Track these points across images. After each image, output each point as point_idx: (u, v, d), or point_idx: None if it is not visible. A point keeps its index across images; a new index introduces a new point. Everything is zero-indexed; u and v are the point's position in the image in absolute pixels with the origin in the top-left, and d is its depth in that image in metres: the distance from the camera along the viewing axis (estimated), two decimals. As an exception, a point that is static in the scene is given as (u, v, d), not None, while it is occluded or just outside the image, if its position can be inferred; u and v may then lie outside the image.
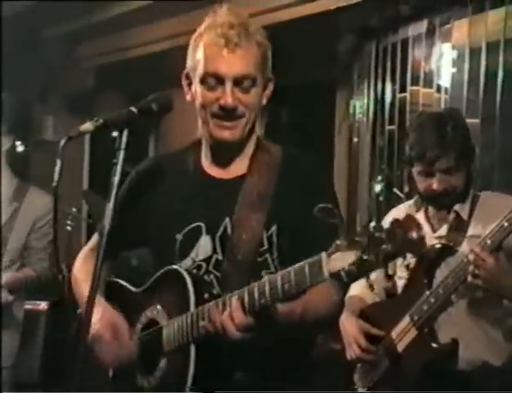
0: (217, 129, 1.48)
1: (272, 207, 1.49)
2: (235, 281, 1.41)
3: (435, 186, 2.05)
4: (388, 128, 3.44)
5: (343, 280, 1.17)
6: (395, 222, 1.13)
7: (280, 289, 1.26)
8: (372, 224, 1.15)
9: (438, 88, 3.15)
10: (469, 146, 2.13)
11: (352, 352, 2.20)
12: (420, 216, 2.22)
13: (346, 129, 3.95)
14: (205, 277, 1.50)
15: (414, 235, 1.11)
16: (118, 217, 1.61)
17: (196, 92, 1.50)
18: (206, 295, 1.42)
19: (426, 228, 2.18)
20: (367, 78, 3.58)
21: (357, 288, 2.39)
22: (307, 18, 3.42)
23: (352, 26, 3.54)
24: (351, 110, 3.85)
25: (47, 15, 4.38)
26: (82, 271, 1.67)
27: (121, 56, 4.51)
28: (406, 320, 2.11)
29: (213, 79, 1.46)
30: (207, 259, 1.51)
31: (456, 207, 2.12)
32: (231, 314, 1.29)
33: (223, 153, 1.55)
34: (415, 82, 3.25)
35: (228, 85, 1.45)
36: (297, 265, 1.25)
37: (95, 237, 1.72)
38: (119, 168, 1.36)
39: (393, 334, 2.14)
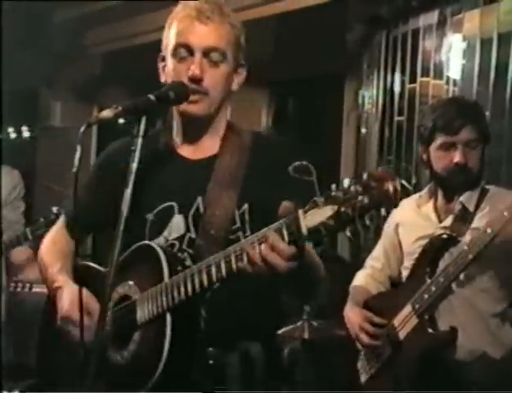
0: (184, 103, 1.50)
1: (244, 186, 1.51)
2: (207, 256, 1.39)
3: (457, 157, 2.08)
4: (396, 119, 3.42)
5: (321, 234, 1.17)
6: (370, 175, 1.14)
7: (258, 248, 1.27)
8: (347, 179, 1.16)
9: (448, 80, 3.13)
10: (487, 126, 2.20)
11: (361, 340, 2.23)
12: (429, 207, 2.25)
13: (354, 120, 3.93)
14: (179, 254, 1.50)
15: (389, 187, 1.12)
16: (86, 199, 1.63)
17: (169, 68, 1.53)
18: (179, 268, 1.42)
19: (433, 218, 2.23)
20: (377, 68, 3.55)
21: (361, 278, 2.44)
22: (316, 7, 3.40)
23: (363, 16, 3.52)
24: (360, 101, 3.83)
25: (55, 1, 4.37)
26: (49, 252, 1.68)
27: (129, 43, 4.51)
28: (407, 308, 2.14)
29: (183, 50, 1.49)
30: (180, 238, 1.51)
31: (463, 199, 2.15)
32: (272, 247, 1.25)
33: (192, 130, 1.56)
34: (425, 73, 3.23)
35: (197, 56, 1.48)
36: (273, 225, 1.25)
37: (61, 220, 1.73)
38: (137, 154, 1.37)
39: (395, 322, 2.17)
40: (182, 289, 1.38)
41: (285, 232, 1.23)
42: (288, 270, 1.26)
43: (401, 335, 2.14)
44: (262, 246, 1.26)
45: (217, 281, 1.34)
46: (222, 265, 1.32)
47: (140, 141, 1.38)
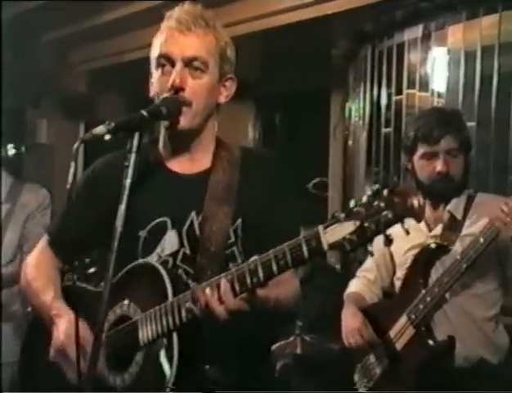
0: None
1: (236, 201, 1.52)
2: (209, 273, 1.42)
3: (439, 167, 2.13)
4: (384, 130, 3.46)
5: (345, 249, 1.19)
6: (391, 191, 1.17)
7: (275, 266, 1.27)
8: (366, 197, 1.18)
9: (434, 92, 3.17)
10: (467, 135, 2.24)
11: (351, 342, 2.24)
12: None
13: (341, 133, 3.97)
14: (173, 270, 1.50)
15: (413, 202, 1.15)
16: (73, 217, 1.60)
17: (154, 81, 1.54)
18: (183, 287, 1.43)
19: (422, 227, 2.25)
20: (363, 81, 3.60)
21: (356, 286, 2.45)
22: (302, 23, 3.44)
23: (348, 31, 3.57)
24: (346, 114, 3.87)
25: (42, 20, 4.37)
26: (38, 277, 1.62)
27: (115, 61, 4.51)
28: (403, 319, 2.15)
29: (165, 61, 1.50)
30: (174, 254, 1.51)
31: (450, 207, 2.18)
32: (220, 297, 1.30)
33: (180, 144, 1.56)
34: (411, 85, 3.27)
35: (178, 65, 1.48)
36: (291, 241, 1.26)
37: (43, 240, 1.68)
38: (130, 171, 1.36)
39: (391, 333, 2.18)
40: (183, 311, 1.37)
41: (304, 248, 1.24)
42: (230, 317, 1.30)
43: (398, 346, 2.16)
44: (211, 292, 1.31)
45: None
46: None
47: (133, 156, 1.37)
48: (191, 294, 1.35)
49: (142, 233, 1.52)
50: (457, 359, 2.10)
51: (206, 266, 1.47)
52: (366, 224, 1.16)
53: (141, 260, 1.50)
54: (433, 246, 2.20)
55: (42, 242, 1.68)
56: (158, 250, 1.52)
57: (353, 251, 1.20)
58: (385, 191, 1.17)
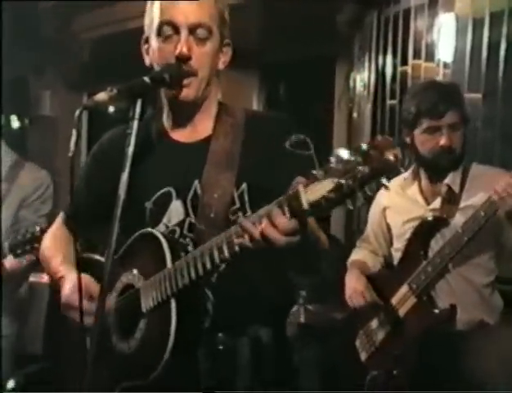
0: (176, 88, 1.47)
1: (240, 166, 1.49)
2: (209, 239, 1.38)
3: (443, 140, 2.16)
4: (389, 102, 3.39)
5: (323, 207, 1.15)
6: (370, 144, 1.12)
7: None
8: (345, 150, 1.13)
9: (440, 62, 3.10)
10: (465, 108, 2.28)
11: (354, 302, 2.33)
12: (414, 189, 2.33)
13: (346, 104, 3.90)
14: (181, 240, 1.49)
15: (390, 156, 1.10)
16: (85, 191, 1.62)
17: (154, 49, 1.50)
18: (182, 254, 1.41)
19: (420, 200, 2.31)
20: (368, 50, 3.51)
21: (359, 253, 2.53)
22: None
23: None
24: (351, 84, 3.79)
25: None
26: (51, 247, 1.69)
27: (120, 28, 4.44)
28: (404, 288, 2.22)
29: (168, 28, 1.46)
30: (180, 224, 1.51)
31: (448, 180, 2.24)
32: (272, 222, 1.24)
33: (183, 113, 1.54)
34: (416, 55, 3.20)
35: (183, 33, 1.45)
36: (274, 201, 1.24)
37: (61, 215, 1.73)
38: (133, 138, 1.36)
39: (393, 301, 2.25)
40: (186, 274, 1.36)
41: (285, 208, 1.21)
42: (287, 244, 1.24)
43: (401, 313, 2.22)
44: (263, 221, 1.24)
45: (221, 263, 1.33)
46: (224, 246, 1.30)
47: (136, 123, 1.36)
48: (238, 232, 1.30)
49: (148, 204, 1.53)
50: (459, 324, 2.16)
51: (205, 232, 1.45)
52: (342, 181, 1.11)
53: (144, 230, 1.50)
54: (432, 218, 2.25)
55: (58, 220, 1.73)
56: (165, 220, 1.52)
57: (332, 208, 1.17)
58: (364, 146, 1.11)
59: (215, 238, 1.32)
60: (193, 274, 1.35)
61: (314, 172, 1.16)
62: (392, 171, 1.10)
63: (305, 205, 1.17)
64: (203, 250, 1.34)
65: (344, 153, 1.13)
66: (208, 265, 1.33)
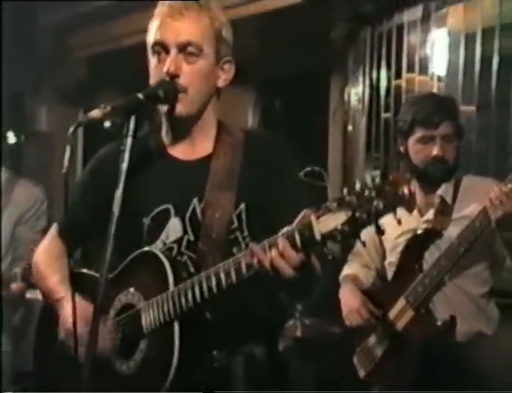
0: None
1: (239, 186, 1.50)
2: (210, 259, 1.41)
3: (436, 151, 2.17)
4: (383, 115, 3.43)
5: (336, 240, 1.17)
6: (383, 179, 1.14)
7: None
8: (359, 184, 1.16)
9: (433, 76, 3.14)
10: (461, 122, 2.29)
11: (352, 321, 2.29)
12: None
13: (341, 117, 3.93)
14: (178, 258, 1.50)
15: (404, 190, 1.13)
16: (79, 206, 1.61)
17: (151, 67, 1.52)
18: (184, 275, 1.42)
19: (413, 212, 2.30)
20: (362, 64, 3.56)
21: (351, 268, 2.49)
22: (301, 5, 3.40)
23: (347, 13, 3.52)
24: (346, 98, 3.83)
25: (40, 4, 4.34)
26: (46, 263, 1.67)
27: (116, 45, 4.47)
28: (401, 302, 2.20)
29: (159, 48, 1.48)
30: (178, 241, 1.51)
31: (440, 192, 2.23)
32: (281, 254, 1.25)
33: (181, 130, 1.55)
34: (410, 69, 3.25)
35: (172, 51, 1.46)
36: (285, 230, 1.24)
37: (54, 228, 1.71)
38: (126, 155, 1.37)
39: (391, 315, 2.23)
40: (190, 296, 1.37)
41: (297, 238, 1.22)
42: (295, 277, 1.26)
43: (398, 327, 2.20)
44: (272, 251, 1.25)
45: (227, 286, 1.34)
46: (232, 271, 1.31)
47: (130, 140, 1.37)
48: (246, 258, 1.31)
49: (146, 221, 1.52)
50: (458, 335, 2.15)
51: (208, 252, 1.46)
52: (357, 215, 1.14)
53: (144, 248, 1.50)
54: (424, 231, 2.25)
55: (52, 232, 1.71)
56: (162, 237, 1.52)
57: (345, 241, 1.18)
58: (377, 179, 1.14)
59: (223, 263, 1.34)
60: (198, 296, 1.36)
61: (327, 203, 1.17)
62: (404, 205, 1.14)
63: (317, 237, 1.18)
64: (209, 274, 1.35)
65: (357, 186, 1.15)
66: (215, 288, 1.34)
